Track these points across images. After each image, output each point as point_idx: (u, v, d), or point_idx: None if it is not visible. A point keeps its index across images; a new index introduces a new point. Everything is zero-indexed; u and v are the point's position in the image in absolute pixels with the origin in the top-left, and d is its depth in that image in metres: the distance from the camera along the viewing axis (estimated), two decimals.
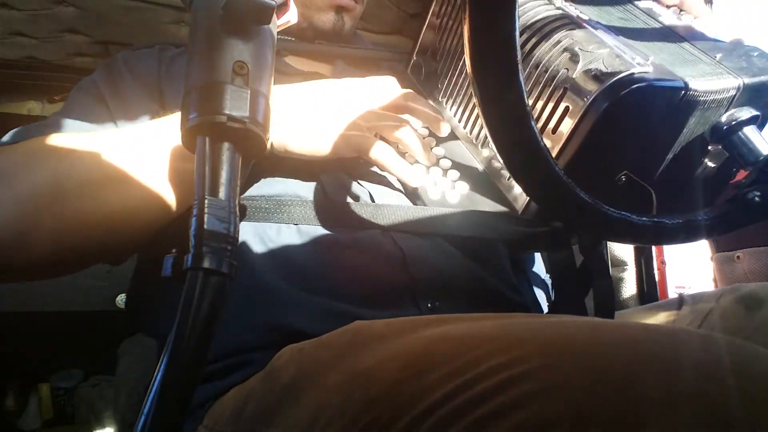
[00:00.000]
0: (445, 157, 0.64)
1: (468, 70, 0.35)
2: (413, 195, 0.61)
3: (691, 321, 0.63)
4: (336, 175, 0.61)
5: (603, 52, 0.49)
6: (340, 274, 0.57)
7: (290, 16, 0.44)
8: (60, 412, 1.84)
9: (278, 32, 0.43)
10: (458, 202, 0.60)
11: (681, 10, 0.62)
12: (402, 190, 0.63)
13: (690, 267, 1.33)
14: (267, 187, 0.61)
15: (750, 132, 0.50)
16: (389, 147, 0.59)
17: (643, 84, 0.46)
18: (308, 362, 0.43)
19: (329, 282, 0.56)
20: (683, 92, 0.47)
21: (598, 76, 0.47)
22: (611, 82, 0.46)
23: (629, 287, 1.31)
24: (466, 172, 0.63)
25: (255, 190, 0.60)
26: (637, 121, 0.49)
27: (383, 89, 0.62)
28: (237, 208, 0.34)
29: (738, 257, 1.19)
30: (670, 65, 0.49)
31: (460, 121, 0.65)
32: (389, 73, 0.67)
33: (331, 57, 0.78)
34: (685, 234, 0.47)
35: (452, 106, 0.67)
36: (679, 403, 0.23)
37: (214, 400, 0.52)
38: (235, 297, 0.51)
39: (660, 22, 0.59)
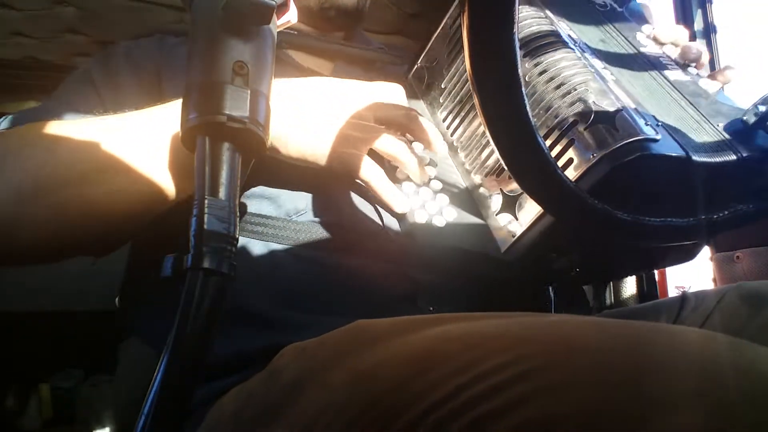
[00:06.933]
0: (436, 178, 0.62)
1: (468, 77, 0.35)
2: (400, 216, 0.60)
3: (693, 319, 0.64)
4: (331, 196, 0.61)
5: (615, 112, 0.49)
6: (339, 290, 0.57)
7: (290, 16, 0.44)
8: (60, 412, 1.84)
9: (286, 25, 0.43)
10: (442, 229, 0.59)
11: (687, 63, 0.62)
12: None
13: (690, 267, 1.32)
14: (257, 203, 0.60)
15: None
16: (378, 169, 0.58)
17: (648, 152, 0.47)
18: (310, 361, 0.43)
19: (328, 299, 0.56)
20: (686, 163, 0.48)
21: (606, 138, 0.48)
22: (617, 147, 0.47)
23: (629, 287, 1.31)
24: (455, 197, 0.61)
25: (247, 206, 0.60)
26: (638, 183, 0.49)
27: (387, 99, 0.60)
28: (237, 208, 0.34)
29: (738, 257, 1.19)
30: (675, 131, 0.50)
31: (454, 137, 0.64)
32: (393, 79, 0.66)
33: (332, 55, 0.78)
34: (727, 226, 0.47)
35: (450, 123, 0.66)
36: (682, 402, 0.23)
37: (214, 400, 0.52)
38: (228, 321, 0.50)
39: (666, 78, 0.59)
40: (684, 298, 0.67)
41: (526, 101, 0.36)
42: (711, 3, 1.29)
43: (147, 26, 1.25)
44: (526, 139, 0.37)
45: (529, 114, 0.36)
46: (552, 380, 0.26)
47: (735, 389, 0.23)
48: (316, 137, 0.56)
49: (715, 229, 0.47)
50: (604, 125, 0.48)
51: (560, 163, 0.50)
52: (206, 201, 0.33)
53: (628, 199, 0.50)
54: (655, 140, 0.47)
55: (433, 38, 0.71)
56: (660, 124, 0.49)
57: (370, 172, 0.57)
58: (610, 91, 0.51)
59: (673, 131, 0.50)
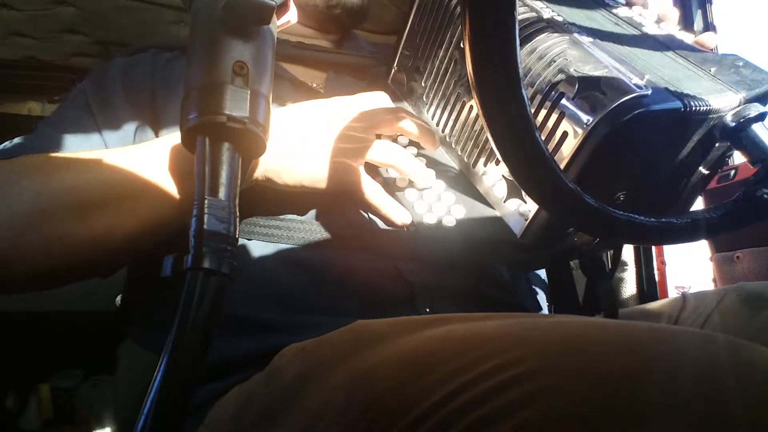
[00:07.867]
0: (437, 178, 0.62)
1: (470, 82, 0.35)
2: (408, 224, 0.59)
3: (693, 320, 0.63)
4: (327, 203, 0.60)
5: (600, 74, 0.48)
6: (335, 292, 0.57)
7: (290, 16, 0.44)
8: (60, 412, 1.84)
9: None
10: (454, 227, 0.58)
11: (659, 19, 0.62)
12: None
13: (690, 267, 1.33)
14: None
15: (758, 129, 0.49)
16: (375, 184, 0.58)
17: (643, 109, 0.45)
18: (310, 362, 0.43)
19: (324, 301, 0.57)
20: (683, 112, 0.47)
21: (598, 102, 0.47)
22: (612, 108, 0.45)
23: (629, 287, 1.31)
24: (460, 193, 0.61)
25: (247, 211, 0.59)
26: (637, 143, 0.48)
27: (372, 107, 0.60)
28: (237, 209, 0.34)
29: (738, 257, 1.19)
30: (672, 83, 0.49)
31: (446, 132, 0.64)
32: (380, 86, 0.65)
33: (323, 64, 0.77)
34: (692, 233, 0.47)
35: (440, 119, 0.65)
36: (679, 404, 0.23)
37: (214, 400, 0.52)
38: (227, 324, 0.49)
39: (645, 33, 0.58)
40: (684, 298, 0.67)
41: (530, 113, 0.36)
42: (711, 3, 1.29)
43: (147, 26, 1.25)
44: (534, 155, 0.37)
45: (535, 130, 0.36)
46: (550, 382, 0.26)
47: (734, 390, 0.23)
48: (309, 162, 0.56)
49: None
50: (591, 91, 0.47)
51: (556, 136, 0.50)
52: (206, 201, 0.33)
53: (630, 161, 0.50)
54: (647, 95, 0.46)
55: (402, 40, 0.70)
56: (647, 77, 0.48)
57: (366, 188, 0.57)
58: (590, 54, 0.50)
59: (665, 82, 0.49)
